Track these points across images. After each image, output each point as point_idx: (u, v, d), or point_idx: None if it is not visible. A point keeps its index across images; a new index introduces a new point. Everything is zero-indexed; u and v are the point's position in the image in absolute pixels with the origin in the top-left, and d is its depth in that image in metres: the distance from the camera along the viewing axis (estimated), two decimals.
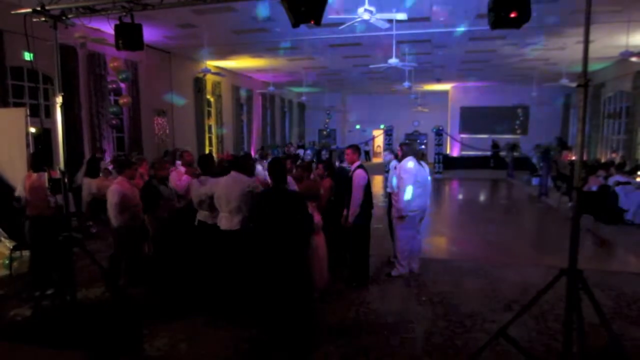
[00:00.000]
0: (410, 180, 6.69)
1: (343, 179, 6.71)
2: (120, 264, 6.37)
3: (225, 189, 5.61)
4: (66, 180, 5.14)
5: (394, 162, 7.56)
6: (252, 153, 20.00)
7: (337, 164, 13.97)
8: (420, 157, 7.23)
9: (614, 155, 17.94)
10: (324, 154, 21.75)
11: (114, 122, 13.51)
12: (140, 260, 6.44)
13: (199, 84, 18.10)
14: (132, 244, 6.30)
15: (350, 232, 6.55)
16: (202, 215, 6.15)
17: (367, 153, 31.80)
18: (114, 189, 6.14)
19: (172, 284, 6.11)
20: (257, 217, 4.98)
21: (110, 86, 12.98)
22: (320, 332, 5.08)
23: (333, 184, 6.75)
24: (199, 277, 6.01)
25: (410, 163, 6.83)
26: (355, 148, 6.89)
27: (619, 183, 11.29)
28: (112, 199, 6.08)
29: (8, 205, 7.38)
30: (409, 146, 7.23)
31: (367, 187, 6.54)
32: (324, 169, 7.00)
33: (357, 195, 6.38)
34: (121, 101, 13.14)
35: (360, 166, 6.58)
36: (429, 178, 7.20)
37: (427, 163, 7.70)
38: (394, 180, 6.98)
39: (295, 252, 4.77)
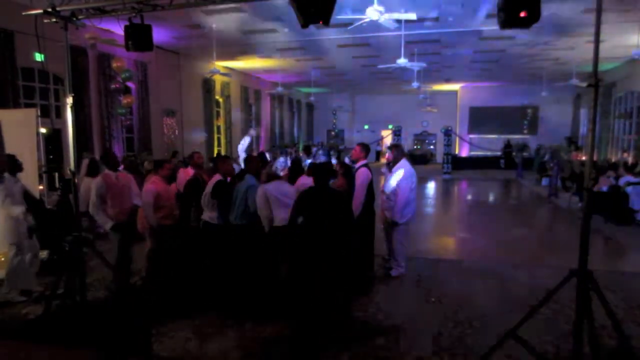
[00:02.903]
0: (409, 186, 6.72)
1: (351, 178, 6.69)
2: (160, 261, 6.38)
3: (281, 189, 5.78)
4: (76, 180, 5.18)
5: (384, 169, 7.53)
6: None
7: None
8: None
9: (625, 155, 17.80)
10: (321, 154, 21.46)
11: (127, 122, 13.60)
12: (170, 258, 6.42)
13: (207, 85, 18.16)
14: (165, 242, 6.30)
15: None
16: (207, 215, 6.17)
17: (378, 153, 31.79)
18: (149, 188, 6.14)
19: (183, 283, 6.13)
20: (300, 213, 5.01)
21: (114, 86, 13.01)
22: (333, 331, 5.09)
23: (346, 183, 6.69)
24: (212, 277, 6.05)
25: (406, 168, 6.83)
26: (364, 146, 6.87)
27: (629, 183, 11.20)
28: (146, 198, 6.10)
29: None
30: (399, 148, 7.21)
31: (370, 186, 6.53)
32: (341, 167, 6.97)
33: (359, 194, 6.35)
34: (124, 101, 13.19)
35: (364, 165, 6.58)
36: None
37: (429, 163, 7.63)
38: (390, 183, 6.94)
39: (336, 248, 4.83)
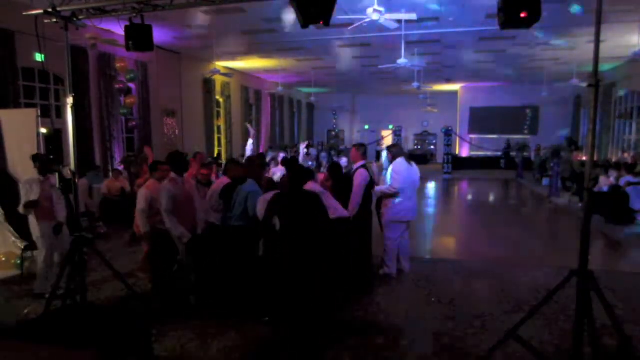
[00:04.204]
0: (400, 181, 6.72)
1: (339, 177, 6.67)
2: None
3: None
4: (76, 180, 5.18)
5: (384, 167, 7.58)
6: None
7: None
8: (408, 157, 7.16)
9: (625, 155, 17.80)
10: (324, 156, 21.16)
11: (133, 123, 13.64)
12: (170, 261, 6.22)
13: (208, 85, 18.16)
14: (163, 246, 6.14)
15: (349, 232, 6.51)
16: (212, 217, 6.14)
17: (378, 153, 31.77)
18: (143, 193, 5.99)
19: (184, 284, 6.10)
20: (271, 216, 4.99)
21: (118, 86, 13.04)
22: (333, 331, 5.08)
23: (332, 183, 6.61)
24: (213, 278, 6.03)
25: (401, 163, 6.84)
26: (359, 147, 6.88)
27: (630, 183, 11.20)
28: (139, 205, 5.97)
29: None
30: (397, 147, 7.24)
31: (368, 187, 6.52)
32: (328, 171, 6.92)
33: (356, 195, 6.33)
34: (127, 101, 13.22)
35: (362, 166, 6.58)
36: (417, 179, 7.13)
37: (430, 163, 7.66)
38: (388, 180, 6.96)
39: (313, 250, 4.81)
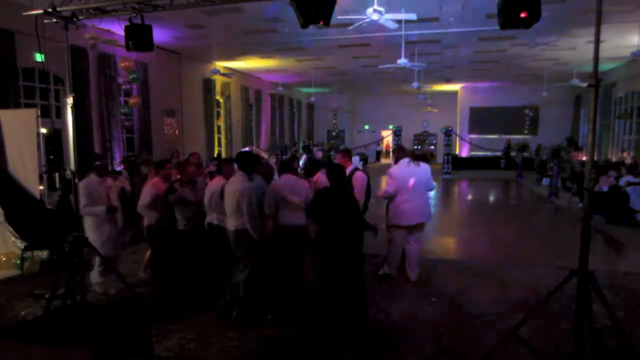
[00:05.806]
0: (392, 186, 6.67)
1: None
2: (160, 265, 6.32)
3: (292, 186, 5.73)
4: (76, 180, 5.18)
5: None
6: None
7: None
8: (416, 157, 7.12)
9: (624, 154, 17.80)
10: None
11: (127, 124, 13.64)
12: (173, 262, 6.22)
13: (208, 85, 18.15)
14: (165, 245, 6.21)
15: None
16: (215, 218, 6.10)
17: (378, 154, 31.83)
18: (148, 190, 6.09)
19: (184, 284, 6.10)
20: (317, 214, 5.16)
21: (125, 86, 13.05)
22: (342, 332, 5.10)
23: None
24: (214, 277, 6.03)
25: (400, 166, 6.80)
26: (345, 153, 7.00)
27: (630, 183, 11.19)
28: (143, 200, 6.07)
29: (21, 205, 7.45)
30: (398, 149, 7.24)
31: (367, 189, 6.66)
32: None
33: (360, 198, 6.38)
34: (131, 101, 13.23)
35: (357, 169, 6.70)
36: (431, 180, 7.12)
37: (430, 162, 7.66)
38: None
39: (349, 247, 4.98)
